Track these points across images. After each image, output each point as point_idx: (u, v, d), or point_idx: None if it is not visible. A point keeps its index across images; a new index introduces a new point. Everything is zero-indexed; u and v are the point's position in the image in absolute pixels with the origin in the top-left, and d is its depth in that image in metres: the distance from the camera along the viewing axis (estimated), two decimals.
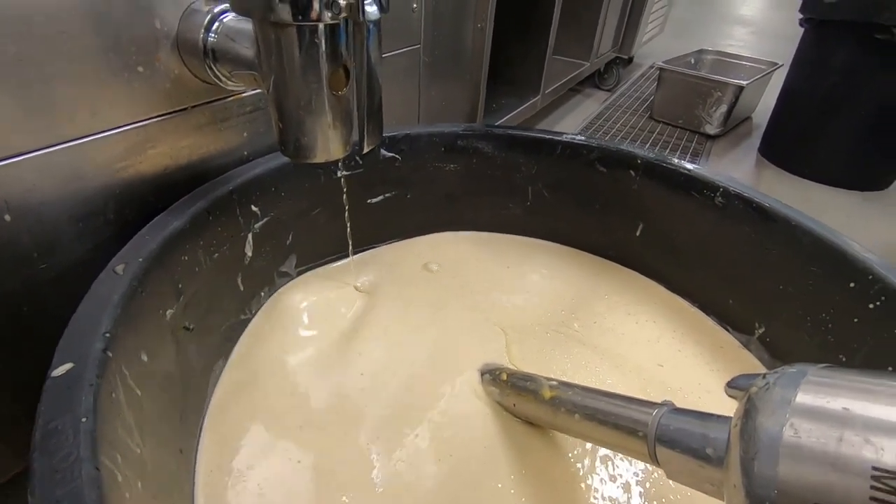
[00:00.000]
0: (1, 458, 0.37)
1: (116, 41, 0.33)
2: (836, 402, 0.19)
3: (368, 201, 0.54)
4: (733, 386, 0.25)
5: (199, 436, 0.36)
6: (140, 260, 0.31)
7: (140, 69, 0.35)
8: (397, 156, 0.53)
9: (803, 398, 0.19)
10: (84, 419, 0.21)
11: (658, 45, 2.21)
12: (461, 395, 0.41)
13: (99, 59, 0.33)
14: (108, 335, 0.26)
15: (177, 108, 0.39)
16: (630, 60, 1.92)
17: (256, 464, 0.35)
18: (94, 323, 0.26)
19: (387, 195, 0.55)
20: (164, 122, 0.38)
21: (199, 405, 0.37)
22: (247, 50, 0.35)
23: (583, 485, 0.36)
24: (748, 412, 0.21)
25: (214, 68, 0.38)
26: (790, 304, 0.43)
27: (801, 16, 1.25)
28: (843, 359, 0.38)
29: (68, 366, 0.24)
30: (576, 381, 0.36)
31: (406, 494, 0.34)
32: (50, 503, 0.19)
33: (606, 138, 0.51)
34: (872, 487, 0.17)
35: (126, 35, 0.34)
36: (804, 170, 1.31)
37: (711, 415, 0.26)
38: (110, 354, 0.25)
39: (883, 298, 0.36)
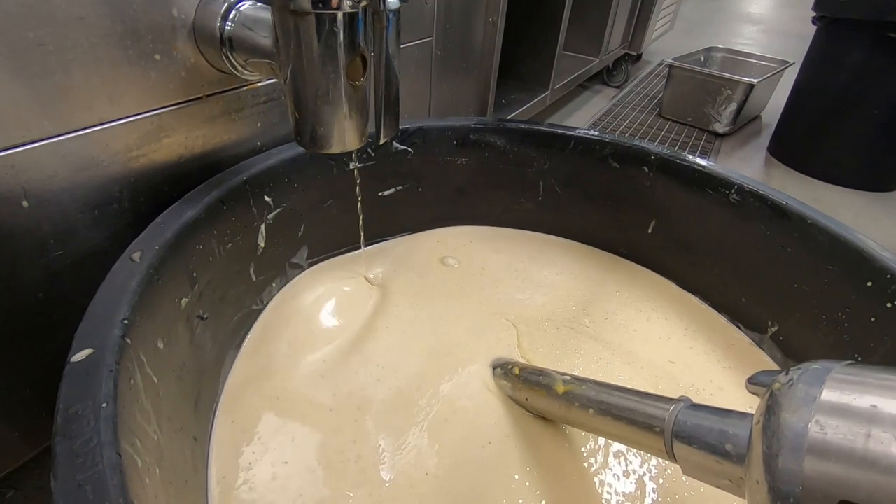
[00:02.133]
0: (14, 444, 0.37)
1: (134, 29, 0.33)
2: (863, 400, 0.19)
3: (380, 194, 0.54)
4: (754, 382, 0.25)
5: (212, 424, 0.36)
6: (156, 248, 0.31)
7: (157, 57, 0.35)
8: (409, 149, 0.53)
9: (829, 395, 0.19)
10: (105, 404, 0.22)
11: (667, 42, 2.19)
12: (473, 388, 0.41)
13: (117, 47, 0.33)
14: (126, 322, 0.26)
15: (192, 97, 0.39)
16: (639, 57, 1.91)
17: (267, 454, 0.35)
18: (112, 309, 0.26)
19: (398, 188, 0.55)
20: (179, 111, 0.38)
21: (212, 394, 0.37)
22: (264, 39, 0.35)
23: (596, 480, 0.36)
24: (771, 408, 0.21)
25: (231, 57, 0.37)
26: (805, 302, 0.43)
27: (813, 14, 1.23)
28: (859, 358, 0.38)
29: (88, 351, 0.24)
30: (588, 377, 0.36)
31: (416, 487, 0.34)
32: (72, 487, 0.19)
33: (615, 135, 0.51)
34: None
35: (144, 23, 0.34)
36: (813, 169, 1.30)
37: (730, 411, 0.26)
38: (129, 341, 0.25)
39: None
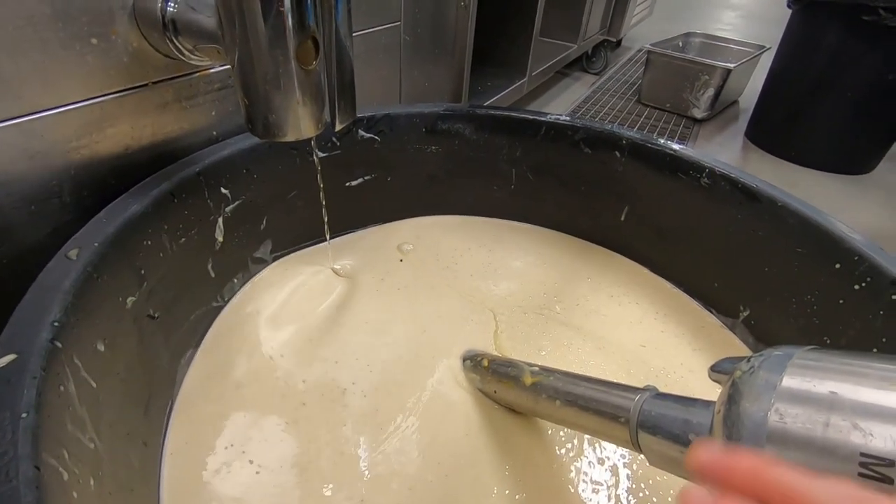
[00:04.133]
0: None
1: (66, 10, 0.31)
2: (822, 386, 0.18)
3: (347, 184, 0.52)
4: (717, 370, 0.25)
5: (167, 428, 0.35)
6: (96, 244, 0.29)
7: (94, 41, 0.33)
8: (376, 137, 0.51)
9: (789, 382, 0.19)
10: (25, 414, 0.20)
11: (646, 28, 2.19)
12: (443, 382, 0.40)
13: (47, 29, 0.30)
14: (56, 324, 0.24)
15: (137, 84, 0.36)
16: (618, 43, 1.90)
17: (230, 455, 0.34)
18: (41, 311, 0.24)
19: (366, 178, 0.53)
20: (123, 99, 0.36)
21: (166, 396, 0.36)
22: (209, 20, 0.33)
23: (568, 468, 0.35)
24: (732, 397, 0.20)
25: (176, 41, 0.35)
26: (775, 286, 0.42)
27: None
28: (828, 341, 0.38)
29: (10, 357, 0.22)
30: (558, 363, 0.35)
31: (391, 482, 0.33)
32: None
33: (586, 119, 0.50)
34: (860, 474, 0.16)
35: (76, 4, 0.31)
36: (790, 153, 1.31)
37: (695, 400, 0.25)
38: (59, 344, 0.24)
39: (868, 279, 0.35)
